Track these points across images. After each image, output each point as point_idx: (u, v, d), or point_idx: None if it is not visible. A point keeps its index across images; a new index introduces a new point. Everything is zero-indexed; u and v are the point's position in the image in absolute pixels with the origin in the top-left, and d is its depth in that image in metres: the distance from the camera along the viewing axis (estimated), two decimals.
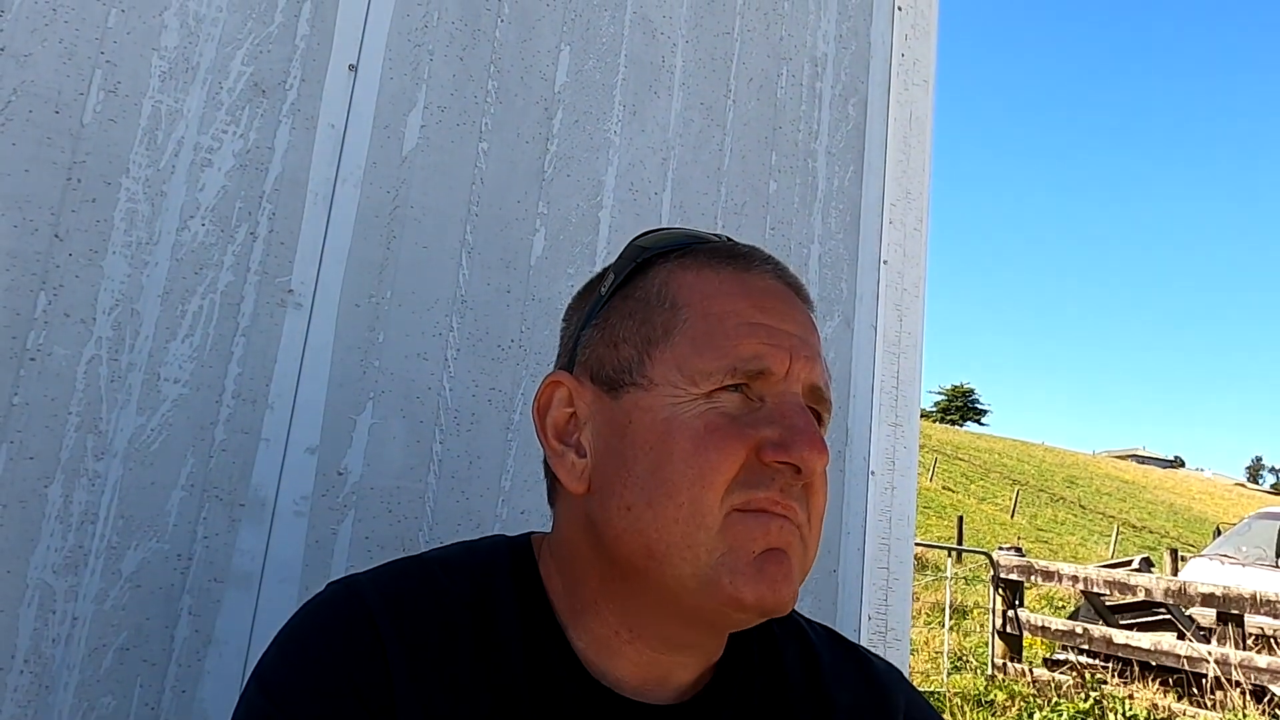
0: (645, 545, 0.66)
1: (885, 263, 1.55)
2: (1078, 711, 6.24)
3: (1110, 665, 7.26)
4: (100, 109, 0.95)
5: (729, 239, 0.79)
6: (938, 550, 13.65)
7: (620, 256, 0.78)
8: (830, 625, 0.88)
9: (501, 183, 1.19)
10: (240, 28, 1.04)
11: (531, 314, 1.19)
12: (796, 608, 0.83)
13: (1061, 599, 12.37)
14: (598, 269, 1.25)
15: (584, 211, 1.25)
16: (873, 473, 1.47)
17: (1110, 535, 24.87)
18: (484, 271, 1.16)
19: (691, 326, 0.71)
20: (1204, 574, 10.69)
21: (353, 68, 1.10)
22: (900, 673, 0.84)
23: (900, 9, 1.63)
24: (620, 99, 1.31)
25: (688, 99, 1.37)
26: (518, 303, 1.18)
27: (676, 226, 0.83)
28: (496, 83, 1.21)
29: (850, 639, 0.85)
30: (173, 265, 0.97)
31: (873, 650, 0.91)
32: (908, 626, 1.47)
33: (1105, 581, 7.24)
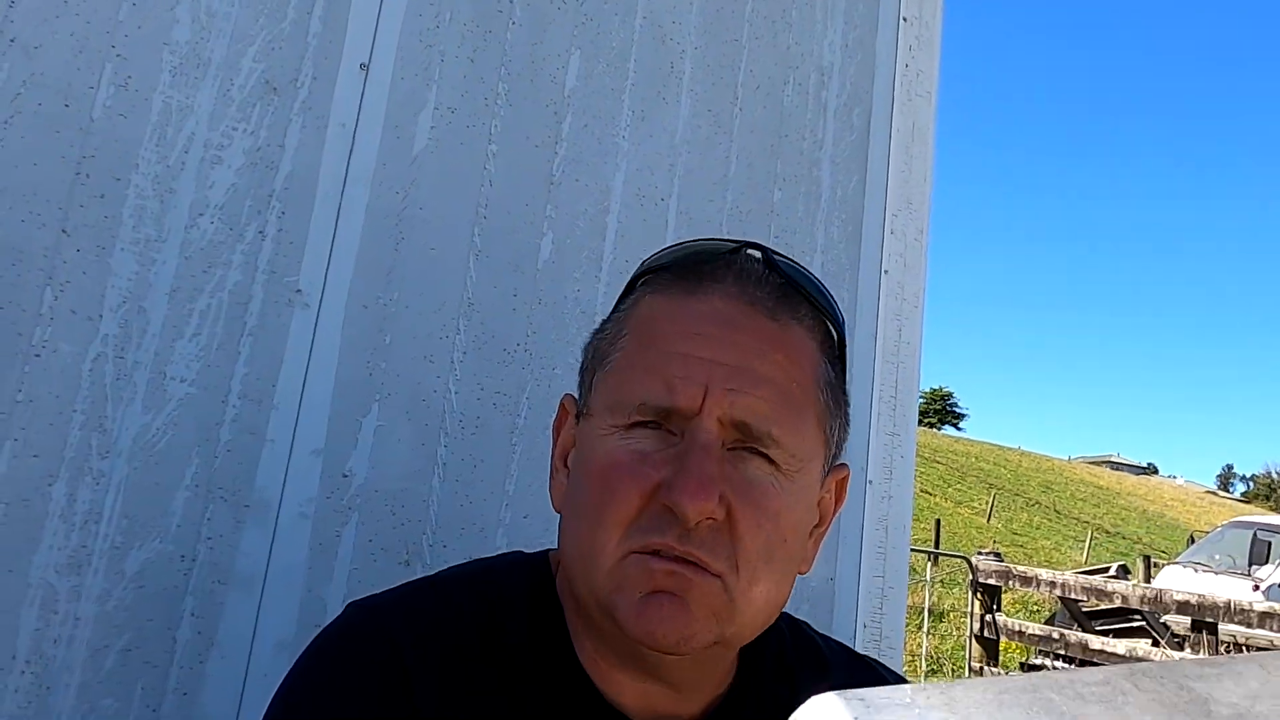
0: (569, 573, 0.69)
1: (886, 272, 1.55)
2: None
3: None
4: (110, 103, 0.94)
5: (740, 247, 0.73)
6: (916, 553, 13.75)
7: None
8: (826, 633, 0.88)
9: (510, 186, 1.19)
10: (252, 24, 1.03)
11: (538, 318, 1.19)
12: (795, 615, 0.82)
13: (1037, 604, 12.47)
14: (604, 274, 1.25)
15: (591, 216, 1.25)
16: (870, 481, 1.48)
17: (1085, 541, 25.11)
18: (491, 275, 1.16)
19: (624, 356, 0.68)
20: (1178, 581, 10.81)
21: (364, 67, 1.09)
22: None
23: (906, 20, 1.63)
24: (629, 104, 1.30)
25: (695, 105, 1.37)
26: (525, 306, 1.18)
27: (691, 240, 0.77)
28: (507, 85, 1.20)
29: (867, 655, 0.85)
30: (181, 263, 0.96)
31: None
32: (901, 635, 1.47)
33: (1082, 588, 7.31)
